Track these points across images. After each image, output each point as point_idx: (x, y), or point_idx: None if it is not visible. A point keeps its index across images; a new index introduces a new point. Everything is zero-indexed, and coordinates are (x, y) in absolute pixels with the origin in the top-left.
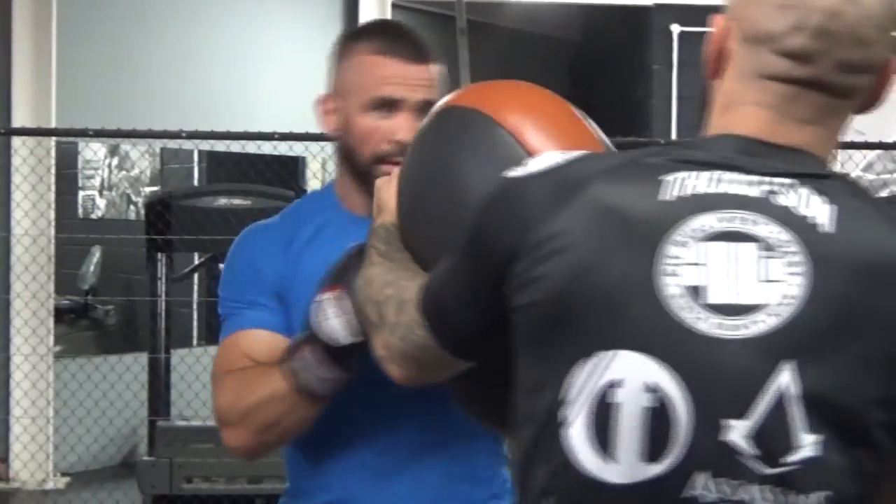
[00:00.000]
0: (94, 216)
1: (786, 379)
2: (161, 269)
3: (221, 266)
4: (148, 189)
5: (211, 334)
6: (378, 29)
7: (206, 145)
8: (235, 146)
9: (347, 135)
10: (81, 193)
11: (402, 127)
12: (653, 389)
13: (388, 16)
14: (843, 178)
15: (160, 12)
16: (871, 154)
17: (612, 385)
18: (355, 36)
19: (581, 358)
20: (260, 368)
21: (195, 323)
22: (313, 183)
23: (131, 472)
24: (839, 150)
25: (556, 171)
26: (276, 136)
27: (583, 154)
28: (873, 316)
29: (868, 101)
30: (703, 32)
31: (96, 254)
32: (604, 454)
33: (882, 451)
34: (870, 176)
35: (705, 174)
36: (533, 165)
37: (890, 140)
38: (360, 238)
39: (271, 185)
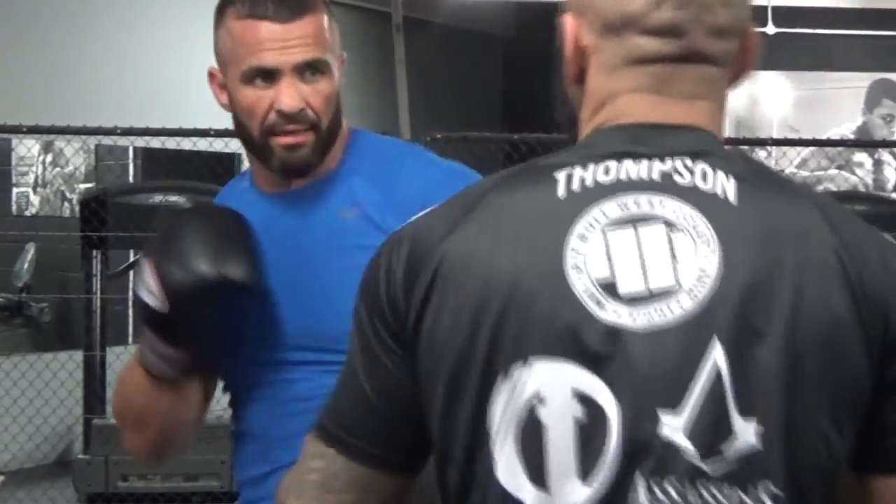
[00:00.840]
0: (27, 213)
1: (714, 362)
2: (96, 267)
3: None
4: (83, 186)
5: None
6: None
7: (142, 142)
8: (171, 143)
9: (234, 110)
10: (15, 190)
11: (285, 94)
12: (580, 396)
13: None
14: (741, 154)
15: (94, 8)
16: (806, 151)
17: (533, 399)
18: (225, 0)
19: (496, 377)
20: (132, 362)
21: (130, 320)
22: None
23: (66, 471)
24: (773, 147)
25: (450, 202)
26: (212, 132)
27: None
28: (785, 282)
29: (738, 70)
30: None
31: (30, 251)
32: (539, 480)
33: (825, 436)
34: (804, 173)
35: (600, 165)
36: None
37: (823, 137)
38: (263, 217)
39: (207, 182)
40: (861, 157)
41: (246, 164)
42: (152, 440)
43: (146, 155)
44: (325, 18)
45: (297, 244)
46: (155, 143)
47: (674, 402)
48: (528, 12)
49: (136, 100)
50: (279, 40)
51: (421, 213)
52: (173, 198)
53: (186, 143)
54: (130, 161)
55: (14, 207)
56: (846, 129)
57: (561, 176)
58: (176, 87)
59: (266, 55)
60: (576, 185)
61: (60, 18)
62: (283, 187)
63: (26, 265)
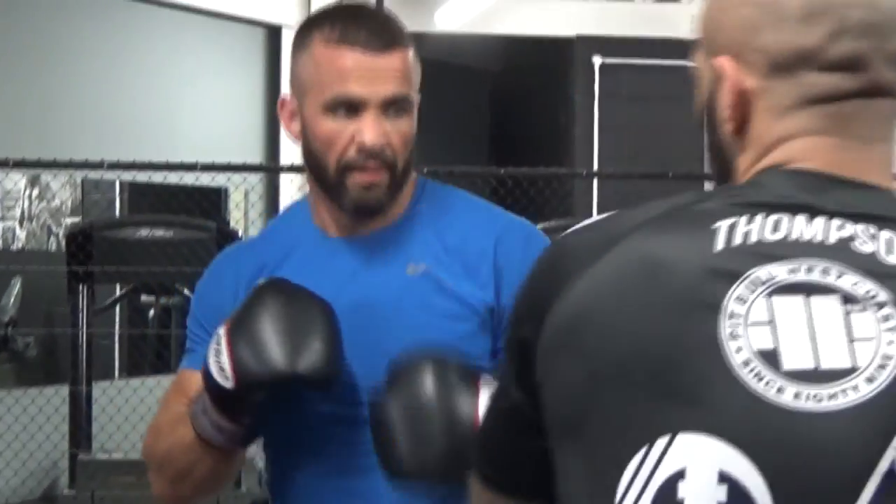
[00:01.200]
0: (13, 247)
1: (892, 458)
2: (82, 301)
3: (143, 297)
4: (69, 220)
5: (133, 366)
6: (334, 13)
7: (128, 176)
8: (157, 177)
9: (309, 141)
10: (1, 224)
11: (369, 129)
12: (727, 479)
13: None
14: None
15: (80, 42)
16: None
17: (675, 478)
18: (310, 24)
19: (631, 450)
20: (178, 412)
21: (117, 355)
22: (235, 214)
23: None
24: None
25: (596, 225)
26: (199, 166)
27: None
28: None
29: None
30: (625, 64)
31: (16, 285)
32: None
33: None
34: None
35: (769, 218)
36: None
37: None
38: (326, 261)
39: (193, 216)
40: None
41: (234, 200)
42: (184, 495)
43: (133, 189)
44: (412, 55)
45: (362, 296)
46: (141, 177)
47: (839, 501)
48: (516, 47)
49: (122, 134)
50: (369, 71)
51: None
52: (159, 232)
53: (173, 177)
54: (117, 195)
55: (0, 242)
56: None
57: (722, 227)
58: (162, 121)
59: (354, 85)
60: (737, 240)
61: (47, 52)
62: (348, 230)
63: (12, 299)
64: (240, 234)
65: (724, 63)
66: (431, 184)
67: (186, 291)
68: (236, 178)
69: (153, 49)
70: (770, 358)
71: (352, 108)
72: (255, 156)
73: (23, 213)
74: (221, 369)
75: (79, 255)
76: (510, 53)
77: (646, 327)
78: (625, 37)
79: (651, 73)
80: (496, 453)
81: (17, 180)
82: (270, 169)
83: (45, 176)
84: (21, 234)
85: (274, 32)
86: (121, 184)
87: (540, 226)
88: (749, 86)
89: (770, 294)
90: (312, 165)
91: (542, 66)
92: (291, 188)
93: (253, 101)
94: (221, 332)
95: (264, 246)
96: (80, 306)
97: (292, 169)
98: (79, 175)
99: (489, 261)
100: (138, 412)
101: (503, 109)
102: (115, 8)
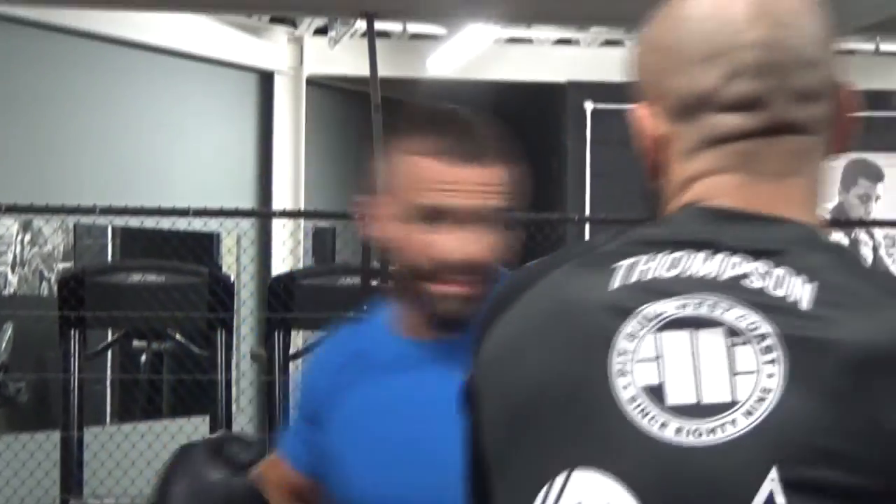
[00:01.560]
0: (5, 293)
1: (770, 492)
2: (74, 346)
3: (136, 343)
4: (61, 265)
5: (124, 411)
6: (428, 121)
7: (120, 221)
8: (149, 222)
9: (390, 245)
10: None
11: (452, 242)
12: None
13: (304, 93)
14: (834, 249)
15: (73, 88)
16: None
17: None
18: (400, 127)
19: (536, 487)
20: None
21: (108, 400)
22: (228, 259)
23: None
24: None
25: (526, 267)
26: (190, 211)
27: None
28: (869, 417)
29: (838, 134)
30: (616, 109)
31: (8, 330)
32: None
33: None
34: None
35: (666, 257)
36: None
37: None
38: (402, 359)
39: (185, 262)
40: (838, 236)
41: (226, 245)
42: None
43: (124, 234)
44: (504, 166)
45: (429, 400)
46: (133, 222)
47: None
48: (508, 93)
49: (114, 179)
50: (464, 184)
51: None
52: (151, 277)
53: (165, 223)
54: (109, 240)
55: None
56: (823, 209)
57: (623, 266)
58: (154, 167)
59: (437, 195)
60: (634, 278)
61: (40, 98)
62: (428, 335)
63: (3, 344)
64: (232, 279)
65: (640, 111)
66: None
67: (178, 336)
68: (228, 223)
69: (146, 94)
70: (656, 393)
71: (439, 217)
72: (247, 201)
73: (15, 258)
74: None
75: (71, 300)
76: (502, 99)
77: (549, 366)
78: (616, 82)
79: None
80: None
81: (9, 225)
82: (262, 214)
83: (38, 221)
84: (13, 280)
85: (266, 78)
86: (113, 229)
87: None
88: (662, 131)
89: (659, 329)
90: (395, 270)
91: (534, 112)
92: (283, 233)
93: (245, 147)
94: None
95: (348, 343)
96: (72, 351)
97: (284, 214)
98: (71, 220)
99: None
100: (129, 458)
101: None
102: (107, 53)
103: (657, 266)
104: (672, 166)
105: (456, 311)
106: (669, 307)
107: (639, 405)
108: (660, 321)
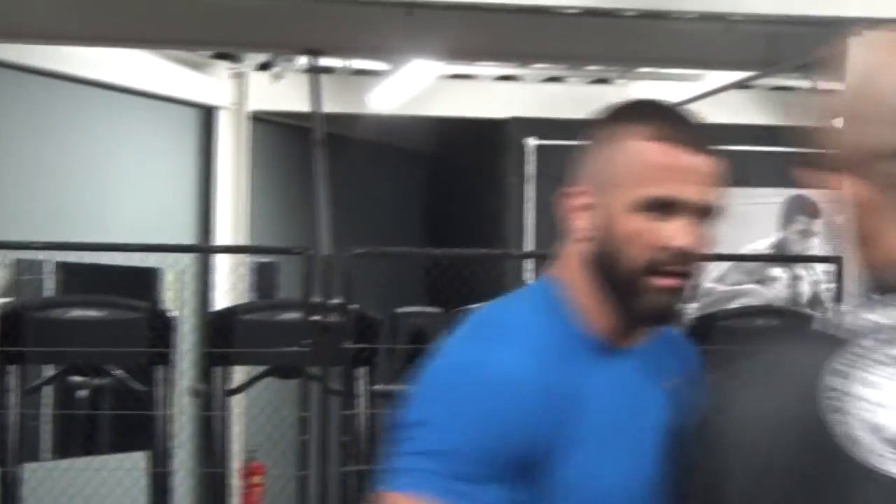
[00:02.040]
0: None
1: None
2: (13, 382)
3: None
4: (1, 300)
5: (63, 447)
6: (654, 109)
7: (60, 256)
8: (89, 257)
9: (606, 236)
10: None
11: (681, 233)
12: None
13: (246, 129)
14: None
15: (13, 121)
16: (724, 266)
17: None
18: (619, 116)
19: None
20: None
21: (48, 436)
22: (169, 294)
23: None
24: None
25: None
26: (131, 247)
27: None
28: None
29: None
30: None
31: None
32: None
33: None
34: (722, 287)
35: None
36: None
37: (740, 252)
38: (612, 376)
39: (126, 297)
40: (777, 271)
41: (166, 280)
42: None
43: (66, 270)
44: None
45: (635, 412)
46: (74, 257)
47: None
48: (450, 129)
49: (55, 214)
50: (695, 174)
51: None
52: (91, 312)
53: (106, 258)
54: (49, 275)
55: None
56: (762, 245)
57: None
58: (95, 202)
59: (674, 186)
60: None
61: None
62: (625, 338)
63: None
64: (172, 314)
65: (847, 184)
66: None
67: (118, 371)
68: (170, 258)
69: (87, 129)
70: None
71: (667, 208)
72: (189, 236)
73: None
74: None
75: (10, 334)
76: (444, 135)
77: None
78: (558, 119)
79: None
80: None
81: None
82: (204, 249)
83: None
84: None
85: (207, 113)
86: (55, 265)
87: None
88: (875, 200)
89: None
90: (604, 263)
91: (477, 148)
92: (224, 268)
93: (186, 182)
94: None
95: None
96: (11, 387)
97: (226, 249)
98: (11, 255)
99: None
100: (67, 494)
101: (438, 190)
102: (47, 88)
103: None
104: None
105: (671, 306)
106: None
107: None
108: None
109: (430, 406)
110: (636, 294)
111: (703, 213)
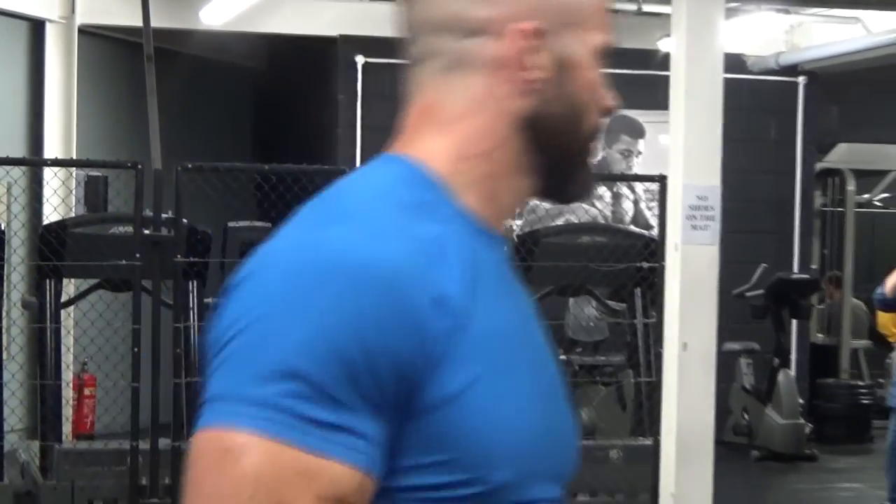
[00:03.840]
0: None
1: None
2: None
3: None
4: None
5: None
6: None
7: None
8: None
9: (562, 91)
10: None
11: (612, 93)
12: None
13: (76, 43)
14: None
15: None
16: None
17: None
18: None
19: None
20: None
21: None
22: None
23: None
24: None
25: None
26: None
27: None
28: None
29: None
30: (387, 64)
31: None
32: None
33: None
34: (546, 205)
35: None
36: None
37: None
38: (510, 279)
39: None
40: (601, 190)
41: None
42: None
43: None
44: None
45: (526, 319)
46: None
47: None
48: (280, 46)
49: None
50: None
51: None
52: None
53: None
54: None
55: None
56: None
57: None
58: None
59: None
60: None
61: None
62: (500, 225)
63: None
64: (2, 227)
65: None
66: None
67: None
68: None
69: None
70: None
71: (604, 60)
72: (18, 149)
73: None
74: None
75: None
76: (275, 52)
77: None
78: (388, 37)
79: None
80: None
81: None
82: (34, 162)
83: None
84: None
85: (37, 27)
86: None
87: None
88: None
89: None
90: (557, 125)
91: (307, 65)
92: (55, 182)
93: (16, 96)
94: None
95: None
96: None
97: (57, 163)
98: None
99: None
100: None
101: (268, 107)
102: None
103: None
104: None
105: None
106: None
107: None
108: None
109: (256, 308)
110: (579, 162)
111: None
